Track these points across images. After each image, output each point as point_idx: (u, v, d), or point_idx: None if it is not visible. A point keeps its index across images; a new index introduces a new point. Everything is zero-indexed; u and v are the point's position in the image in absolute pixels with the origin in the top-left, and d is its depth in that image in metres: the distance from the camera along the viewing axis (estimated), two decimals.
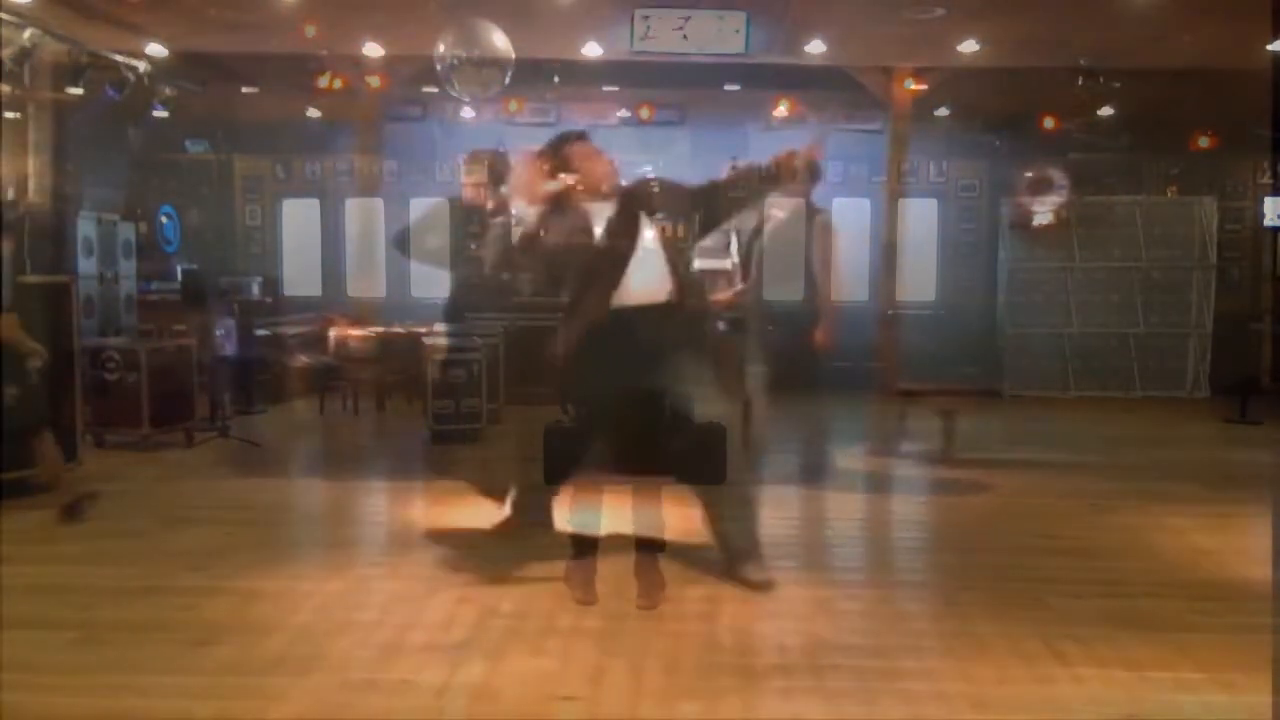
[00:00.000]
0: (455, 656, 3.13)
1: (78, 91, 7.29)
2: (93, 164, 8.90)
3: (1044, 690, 2.95)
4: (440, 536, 4.48)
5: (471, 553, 4.17)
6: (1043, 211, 8.82)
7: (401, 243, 6.36)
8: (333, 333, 7.80)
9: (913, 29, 7.15)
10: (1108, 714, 2.80)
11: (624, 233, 3.59)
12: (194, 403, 6.68)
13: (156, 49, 7.57)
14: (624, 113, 9.39)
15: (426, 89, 8.69)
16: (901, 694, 2.91)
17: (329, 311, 8.76)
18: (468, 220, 6.19)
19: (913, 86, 8.57)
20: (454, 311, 6.55)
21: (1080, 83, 8.21)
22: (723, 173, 4.42)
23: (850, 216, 9.32)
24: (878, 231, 9.27)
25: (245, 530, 4.55)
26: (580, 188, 3.61)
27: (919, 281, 10.12)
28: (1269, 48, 7.05)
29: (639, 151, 8.97)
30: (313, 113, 9.61)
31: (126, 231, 8.74)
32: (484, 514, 4.68)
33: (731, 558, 3.90)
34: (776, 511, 4.59)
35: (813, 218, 5.50)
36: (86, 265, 7.99)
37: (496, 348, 6.75)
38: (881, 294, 9.05)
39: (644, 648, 3.23)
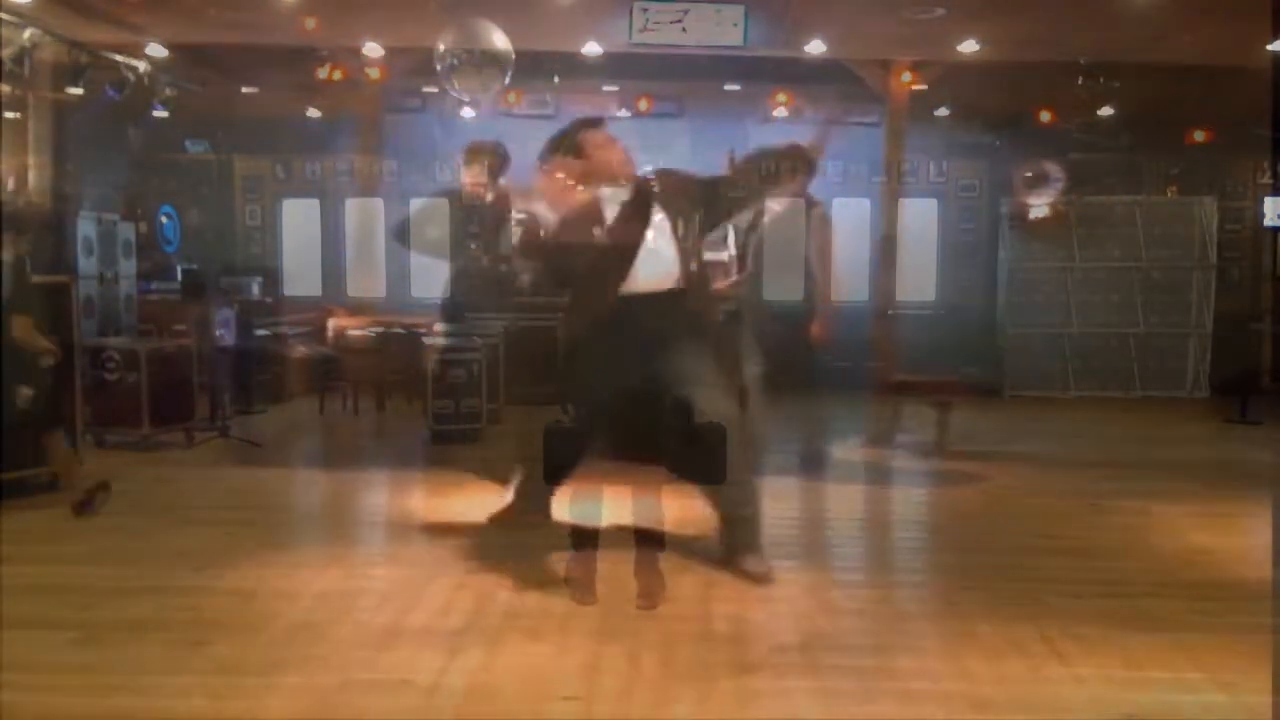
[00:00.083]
0: (453, 644, 3.16)
1: (78, 91, 7.29)
2: (93, 164, 8.90)
3: (1043, 690, 2.95)
4: (440, 533, 4.48)
5: (470, 546, 4.17)
6: (1039, 205, 8.82)
7: (401, 233, 6.36)
8: (331, 322, 7.80)
9: (913, 28, 7.15)
10: (1107, 714, 2.80)
11: (636, 223, 3.57)
12: (194, 402, 6.68)
13: (156, 49, 7.57)
14: (624, 112, 9.37)
15: (427, 88, 8.68)
16: (900, 694, 2.91)
17: (331, 306, 8.77)
18: (468, 215, 6.19)
19: (910, 80, 8.56)
20: (453, 310, 6.54)
21: (1080, 82, 8.21)
22: (722, 165, 4.42)
23: (850, 216, 9.32)
24: (878, 231, 9.27)
25: (245, 530, 4.55)
26: (594, 178, 3.58)
27: (919, 281, 10.12)
28: (1269, 47, 7.05)
29: (637, 144, 8.95)
30: (313, 112, 9.60)
31: (126, 231, 8.74)
32: (483, 506, 4.68)
33: (730, 549, 3.91)
34: (772, 505, 4.58)
35: (809, 211, 5.50)
36: (86, 265, 7.99)
37: (496, 348, 6.75)
38: (879, 290, 9.05)
39: (641, 638, 3.24)
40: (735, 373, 4.44)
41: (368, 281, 8.93)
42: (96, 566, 3.98)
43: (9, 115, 7.14)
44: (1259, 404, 8.11)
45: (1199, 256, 9.50)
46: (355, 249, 9.25)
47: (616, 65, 8.45)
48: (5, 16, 6.39)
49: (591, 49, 7.88)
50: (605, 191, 3.59)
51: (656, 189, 3.66)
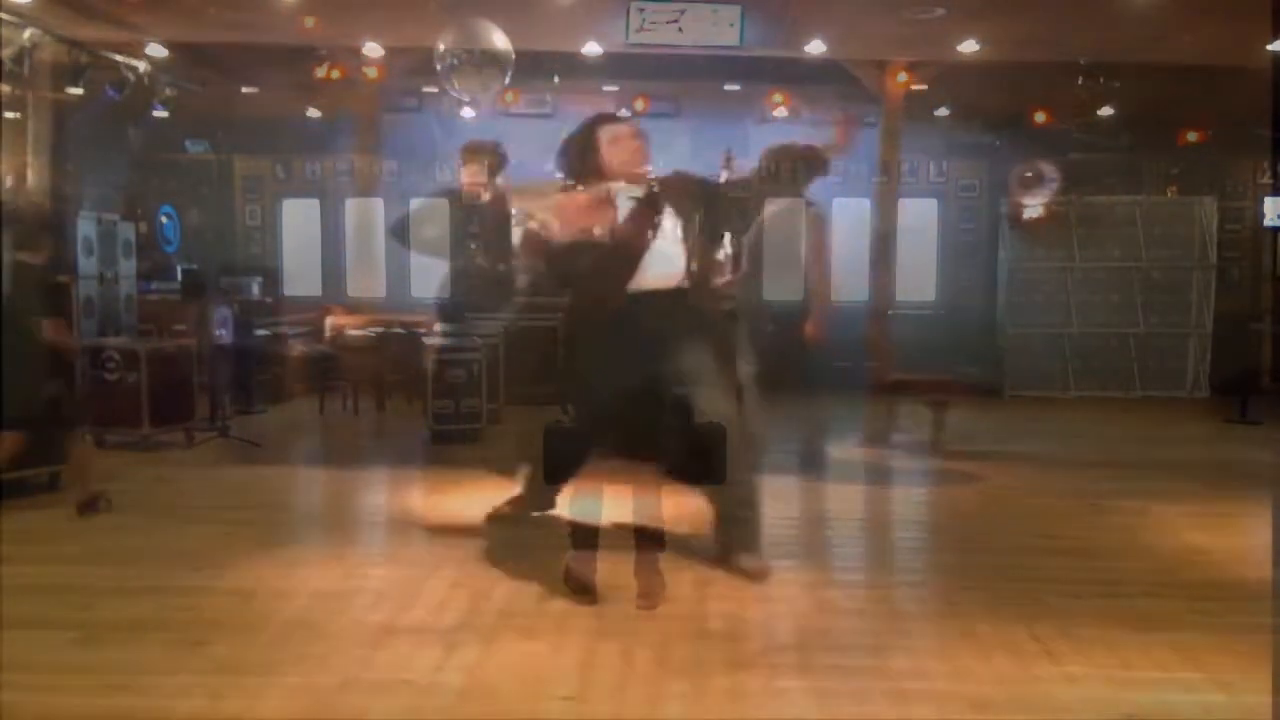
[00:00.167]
0: (451, 643, 3.17)
1: (78, 91, 7.29)
2: (93, 164, 8.91)
3: (1043, 690, 2.95)
4: (439, 532, 4.48)
5: (469, 545, 4.18)
6: (1034, 205, 8.82)
7: (400, 233, 6.36)
8: (329, 321, 7.80)
9: (912, 28, 7.16)
10: (1106, 714, 2.80)
11: (644, 223, 3.56)
12: (194, 402, 6.68)
13: (156, 49, 7.57)
14: (624, 111, 9.37)
15: (426, 88, 8.68)
16: (900, 693, 2.90)
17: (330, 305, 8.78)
18: (467, 214, 6.18)
19: (906, 80, 8.56)
20: (452, 310, 6.54)
21: (1080, 82, 8.21)
22: (720, 164, 4.41)
23: (850, 216, 9.32)
24: (877, 231, 9.27)
25: (245, 529, 4.55)
26: (606, 177, 3.56)
27: (919, 281, 10.14)
28: (1269, 47, 7.05)
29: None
30: (312, 112, 9.61)
31: (126, 231, 8.74)
32: (482, 505, 4.68)
33: (727, 547, 3.92)
34: (769, 504, 4.58)
35: (806, 211, 5.51)
36: (86, 265, 7.99)
37: (496, 348, 6.75)
38: (876, 290, 9.05)
39: (638, 637, 3.25)
40: (732, 372, 4.44)
41: (368, 281, 8.93)
42: (96, 566, 3.98)
43: (9, 115, 7.14)
44: (1259, 404, 8.12)
45: (1199, 256, 9.50)
46: (355, 249, 9.26)
47: (614, 65, 8.45)
48: (5, 16, 6.39)
49: (589, 49, 7.88)
50: (615, 189, 3.58)
51: (657, 189, 3.65)
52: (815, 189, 5.63)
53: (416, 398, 7.14)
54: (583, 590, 3.58)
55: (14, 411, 4.59)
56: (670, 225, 3.60)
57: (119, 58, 7.42)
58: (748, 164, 5.18)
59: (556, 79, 8.91)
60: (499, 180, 6.19)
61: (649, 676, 2.99)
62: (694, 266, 3.65)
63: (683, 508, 4.06)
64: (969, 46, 7.61)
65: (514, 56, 5.21)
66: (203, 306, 7.09)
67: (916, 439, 6.66)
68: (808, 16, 7.17)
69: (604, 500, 3.68)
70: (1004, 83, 8.62)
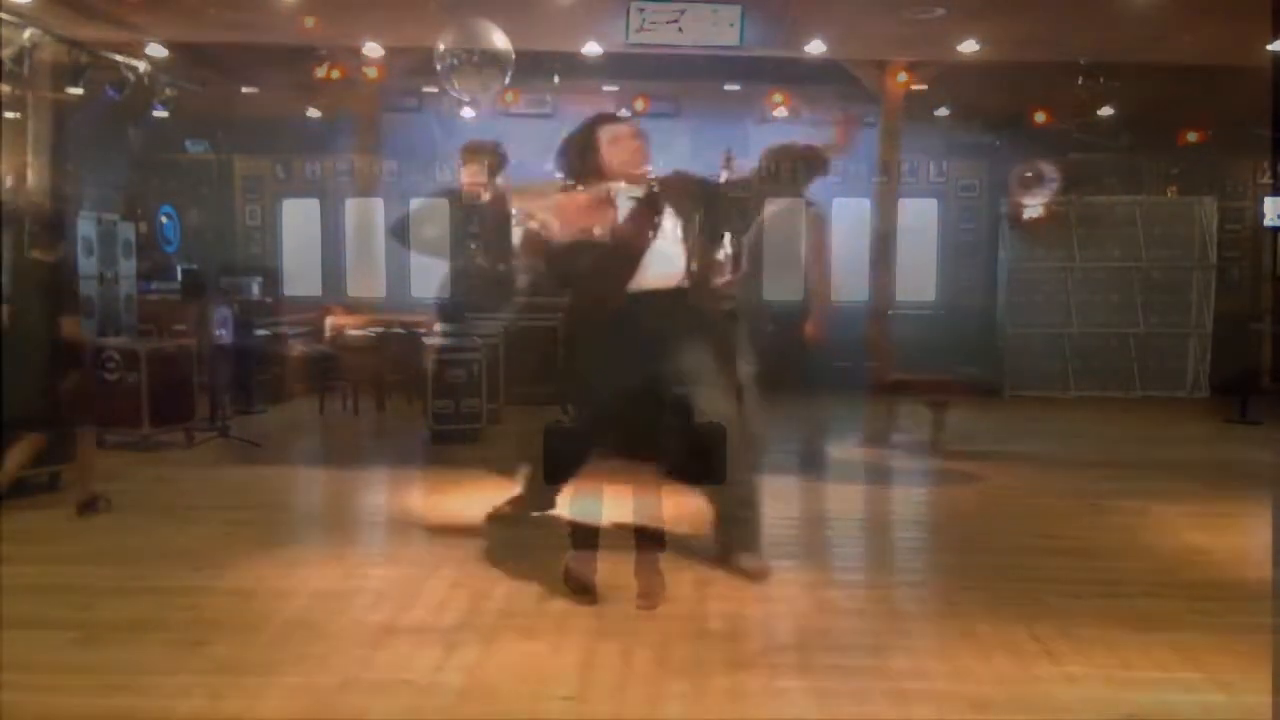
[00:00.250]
0: (451, 643, 3.18)
1: (78, 91, 7.29)
2: (93, 164, 8.91)
3: (1043, 690, 2.95)
4: (438, 532, 4.48)
5: (469, 545, 4.18)
6: (1033, 206, 8.82)
7: (400, 233, 6.36)
8: (329, 321, 7.80)
9: (913, 28, 7.15)
10: (1107, 714, 2.80)
11: (645, 223, 3.55)
12: (194, 402, 6.68)
13: (156, 49, 7.57)
14: (624, 111, 9.37)
15: (426, 88, 8.69)
16: (900, 693, 2.91)
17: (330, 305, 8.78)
18: (467, 214, 6.18)
19: (905, 81, 8.57)
20: (451, 310, 6.55)
21: (1080, 82, 8.21)
22: (719, 164, 4.41)
23: (850, 216, 9.32)
24: (882, 230, 9.26)
25: (245, 529, 4.55)
26: (606, 177, 3.56)
27: (919, 281, 10.14)
28: (1269, 47, 7.05)
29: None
30: (312, 112, 9.61)
31: (126, 231, 8.74)
32: (481, 505, 4.69)
33: (726, 547, 3.91)
34: (768, 504, 4.58)
35: (805, 211, 5.50)
36: (86, 265, 7.99)
37: (496, 348, 6.75)
38: (876, 289, 9.05)
39: (637, 637, 3.25)
40: (732, 372, 4.45)
41: (368, 281, 8.93)
42: (96, 566, 3.98)
43: (9, 115, 7.14)
44: (1259, 404, 8.12)
45: (1199, 256, 9.50)
46: (355, 249, 9.26)
47: (614, 66, 8.45)
48: (5, 16, 6.39)
49: (589, 49, 7.88)
50: (615, 189, 3.57)
51: (657, 189, 3.64)
52: (815, 189, 5.64)
53: (416, 398, 7.14)
54: (583, 590, 3.58)
55: (36, 412, 4.68)
56: (670, 225, 3.60)
57: (119, 58, 7.42)
58: (748, 164, 5.17)
59: (557, 79, 8.90)
60: (499, 180, 6.19)
61: (649, 676, 2.99)
62: (694, 266, 3.65)
63: (683, 508, 4.06)
64: (969, 46, 7.61)
65: (514, 56, 5.21)
66: (203, 306, 7.09)
67: (916, 439, 6.67)
68: (808, 16, 7.16)
69: (604, 500, 3.68)
70: (1004, 83, 8.62)
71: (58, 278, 4.93)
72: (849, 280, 9.00)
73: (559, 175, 3.76)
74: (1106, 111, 9.10)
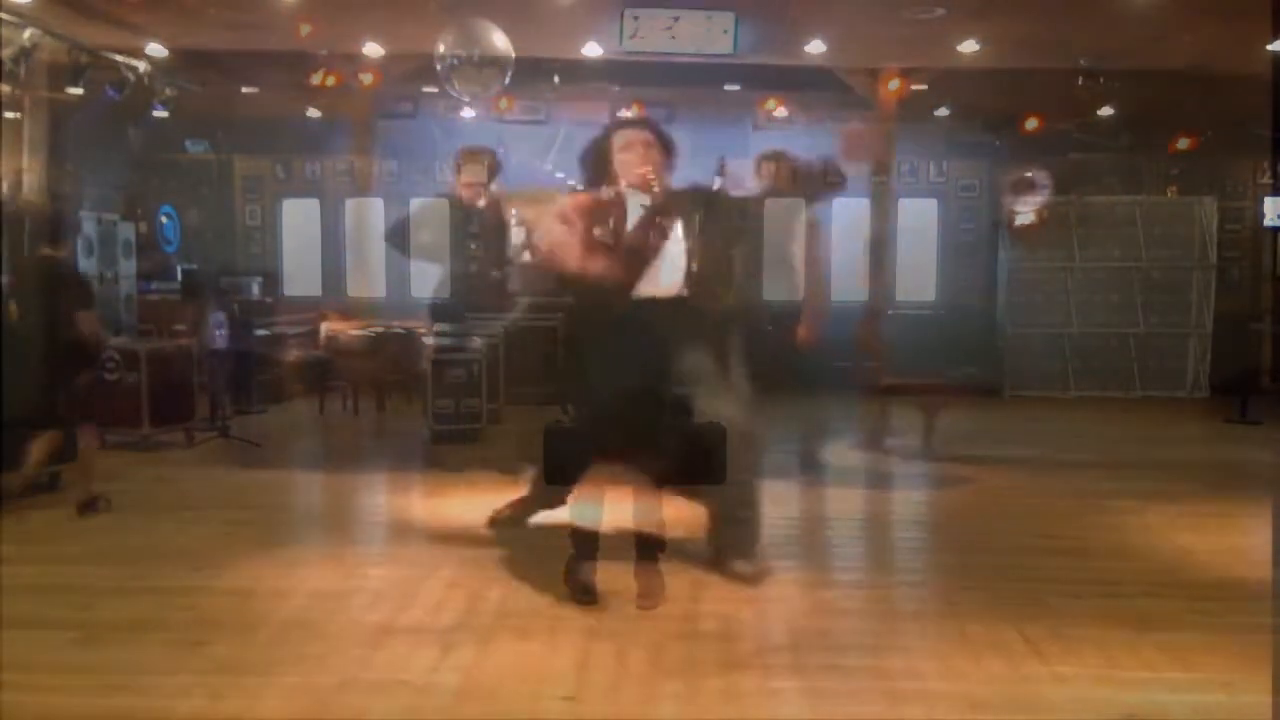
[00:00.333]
0: (449, 643, 3.19)
1: (78, 91, 7.28)
2: (93, 164, 8.90)
3: (1043, 690, 2.95)
4: (438, 532, 4.49)
5: (468, 545, 4.18)
6: (1025, 212, 8.81)
7: (397, 239, 6.37)
8: (324, 326, 7.80)
9: (913, 29, 7.15)
10: (1106, 714, 2.80)
11: (655, 230, 3.55)
12: (194, 402, 6.68)
13: (156, 49, 7.57)
14: (625, 112, 9.37)
15: (426, 89, 8.69)
16: (900, 693, 2.91)
17: (325, 308, 8.77)
18: (464, 219, 6.19)
19: (898, 88, 8.57)
20: (447, 311, 6.56)
21: (1080, 82, 8.20)
22: (713, 169, 4.40)
23: (850, 217, 9.31)
24: (884, 230, 9.26)
25: (245, 529, 4.55)
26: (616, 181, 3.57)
27: (919, 281, 10.14)
28: (1269, 48, 7.05)
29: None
30: (312, 112, 9.61)
31: (126, 231, 8.75)
32: (481, 506, 4.69)
33: (721, 550, 3.91)
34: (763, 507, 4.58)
35: (804, 211, 5.49)
36: (86, 265, 8.00)
37: (496, 348, 6.75)
38: (870, 292, 9.05)
39: (634, 638, 3.25)
40: (731, 376, 4.44)
41: (367, 281, 8.94)
42: (96, 566, 3.99)
43: (9, 115, 7.14)
44: (1259, 404, 8.11)
45: (1199, 256, 9.50)
46: (355, 249, 9.26)
47: (608, 71, 8.46)
48: (5, 16, 6.39)
49: (582, 54, 7.88)
50: (627, 194, 3.58)
51: (663, 195, 3.63)
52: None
53: (416, 397, 7.14)
54: (583, 591, 3.59)
55: (52, 409, 4.72)
56: (677, 232, 3.60)
57: (119, 58, 7.41)
58: (751, 174, 5.17)
59: (557, 78, 8.90)
60: (494, 186, 6.22)
61: (644, 677, 2.99)
62: (694, 268, 3.64)
63: (679, 512, 4.05)
64: (969, 46, 7.60)
65: (514, 56, 5.20)
66: (200, 309, 7.10)
67: (909, 442, 6.60)
68: (807, 17, 7.16)
69: (605, 506, 3.68)
70: (1004, 83, 8.61)
71: (69, 273, 5.00)
72: (846, 281, 9.03)
73: (567, 180, 3.77)
74: (1106, 112, 9.09)
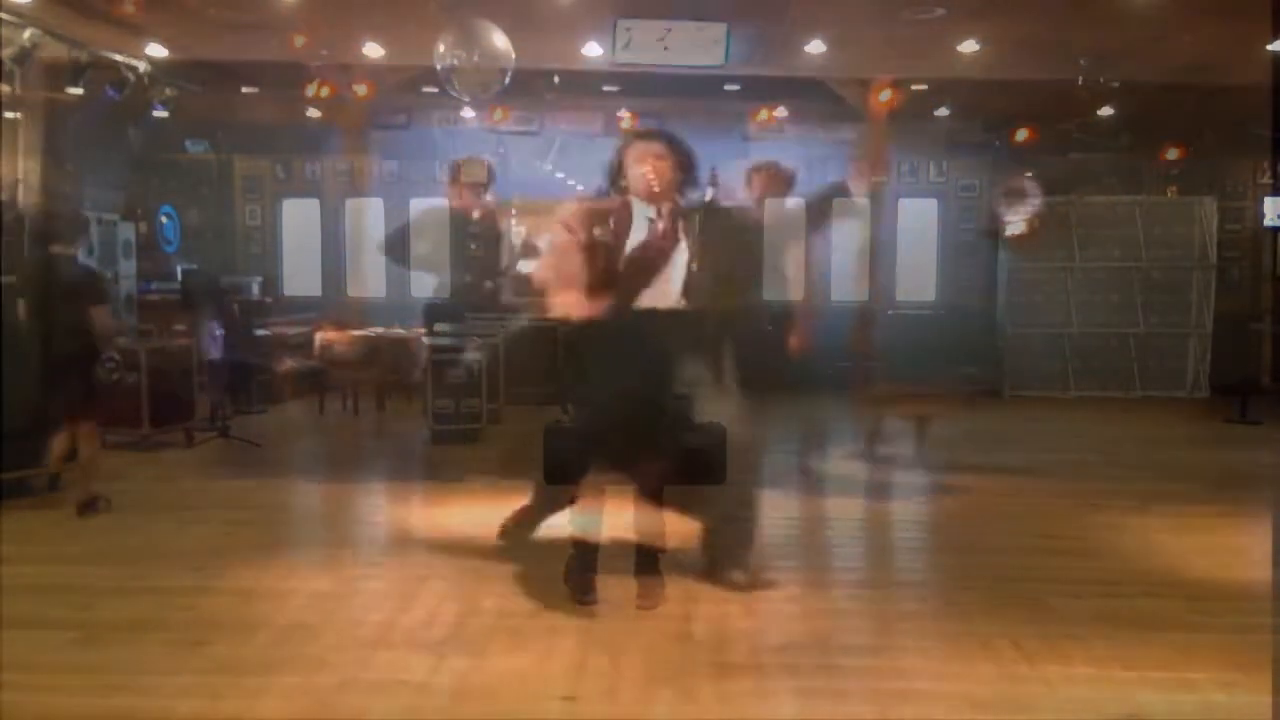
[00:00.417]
0: (448, 643, 3.19)
1: (78, 91, 7.28)
2: (93, 164, 8.90)
3: (1043, 690, 2.95)
4: (437, 533, 4.48)
5: (468, 546, 4.18)
6: (1015, 222, 8.79)
7: (396, 250, 6.41)
8: (318, 337, 7.83)
9: (913, 29, 7.14)
10: (1108, 714, 2.80)
11: (657, 240, 3.56)
12: (194, 403, 6.68)
13: (156, 49, 7.57)
14: (626, 119, 9.37)
15: (424, 91, 8.70)
16: (901, 694, 2.91)
17: (327, 312, 8.78)
18: (460, 228, 6.23)
19: (889, 99, 8.57)
20: (444, 314, 6.59)
21: (1080, 82, 8.20)
22: (705, 180, 4.39)
23: (848, 218, 9.31)
24: (877, 234, 9.26)
25: (245, 530, 4.55)
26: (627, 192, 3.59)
27: (919, 281, 10.14)
28: (1269, 48, 7.05)
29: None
30: (313, 113, 9.62)
31: (126, 231, 8.74)
32: (480, 506, 4.69)
33: (715, 559, 3.90)
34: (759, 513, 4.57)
35: (792, 222, 5.47)
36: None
37: (496, 348, 6.75)
38: (869, 294, 9.06)
39: (634, 639, 3.25)
40: (728, 381, 4.45)
41: (368, 282, 8.94)
42: (96, 566, 3.99)
43: (9, 115, 7.14)
44: (1259, 404, 8.12)
45: (1199, 256, 9.50)
46: (355, 249, 9.26)
47: (600, 81, 8.47)
48: (5, 16, 6.39)
49: (575, 66, 7.89)
50: (635, 205, 3.59)
51: (670, 207, 3.63)
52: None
53: (417, 398, 7.15)
54: (582, 591, 3.59)
55: (70, 404, 4.78)
56: (681, 245, 3.61)
57: (119, 58, 7.41)
58: (742, 185, 5.16)
59: (556, 79, 8.91)
60: (489, 196, 6.25)
61: (643, 679, 2.99)
62: (694, 274, 3.64)
63: (674, 521, 4.04)
64: (969, 47, 7.60)
65: (514, 56, 5.21)
66: (196, 316, 7.11)
67: (903, 448, 6.51)
68: (808, 21, 7.16)
69: (605, 515, 3.68)
70: (1004, 83, 8.61)
71: (83, 270, 5.04)
72: (844, 282, 9.04)
73: (572, 181, 3.79)
74: (1106, 112, 9.09)
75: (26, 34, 6.59)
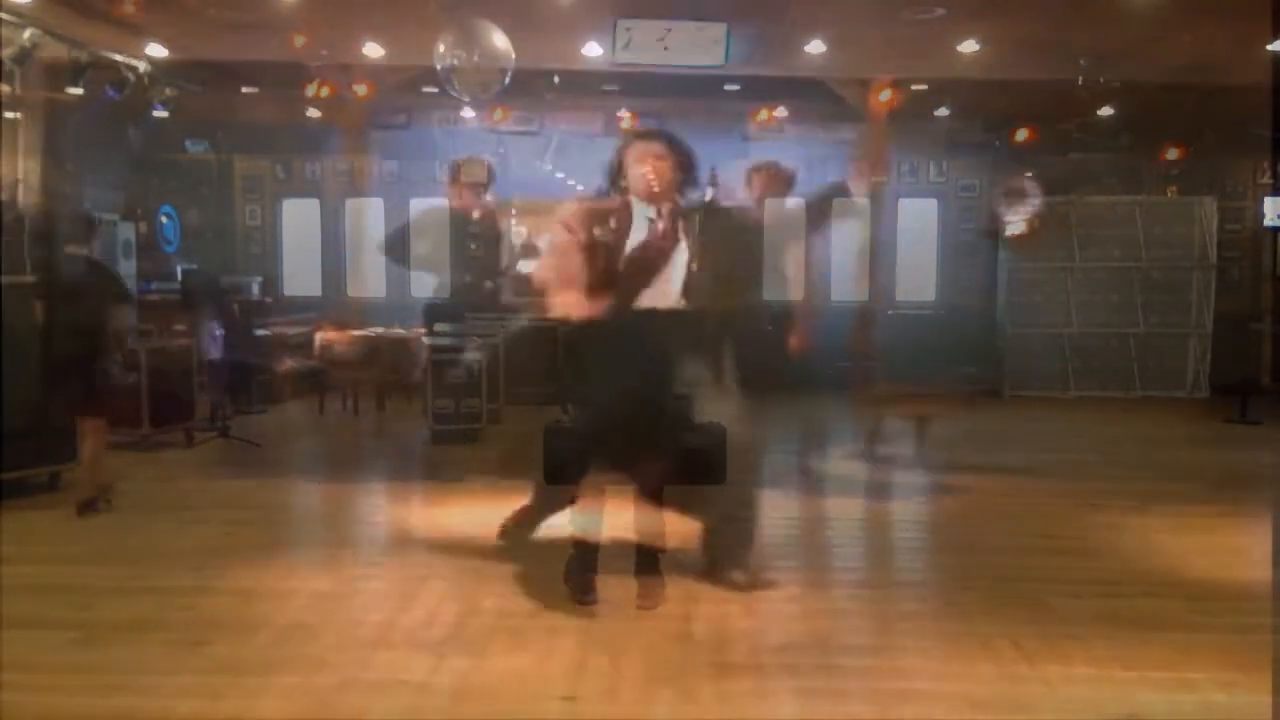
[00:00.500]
0: (448, 643, 3.20)
1: (78, 91, 7.28)
2: (93, 164, 8.90)
3: (1044, 690, 2.95)
4: (437, 533, 4.48)
5: (468, 546, 4.18)
6: (1015, 222, 8.79)
7: (396, 250, 6.40)
8: (318, 337, 7.83)
9: (913, 29, 7.14)
10: (1108, 714, 2.81)
11: (657, 240, 3.56)
12: (194, 403, 6.69)
13: (156, 49, 7.57)
14: (626, 119, 9.37)
15: (424, 91, 8.70)
16: (901, 694, 2.91)
17: (327, 312, 8.79)
18: (460, 228, 6.23)
19: (889, 99, 8.57)
20: (444, 313, 6.59)
21: (1080, 82, 8.20)
22: (705, 180, 4.40)
23: (847, 219, 9.30)
24: (876, 234, 9.26)
25: (244, 530, 4.56)
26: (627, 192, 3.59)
27: (919, 281, 10.14)
28: (1269, 48, 7.05)
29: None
30: (313, 113, 9.62)
31: (126, 231, 8.74)
32: (480, 506, 4.68)
33: (715, 559, 3.90)
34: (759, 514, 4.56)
35: (792, 222, 5.47)
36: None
37: (496, 348, 6.76)
38: (869, 293, 9.06)
39: (635, 639, 3.25)
40: (727, 382, 4.45)
41: (368, 282, 8.95)
42: (96, 566, 3.99)
43: (9, 116, 7.14)
44: (1259, 404, 8.12)
45: (1199, 256, 9.50)
46: (355, 249, 9.27)
47: (600, 81, 8.47)
48: (5, 16, 6.39)
49: (576, 65, 7.89)
50: (635, 205, 3.59)
51: (670, 208, 3.63)
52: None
53: (417, 397, 7.15)
54: (582, 590, 3.59)
55: (87, 403, 4.81)
56: (681, 245, 3.61)
57: (119, 58, 7.41)
58: (742, 185, 5.16)
59: (556, 79, 8.91)
60: (489, 196, 6.24)
61: (642, 679, 2.99)
62: (694, 274, 3.64)
63: (674, 521, 4.04)
64: (969, 47, 7.60)
65: (514, 56, 5.21)
66: (196, 317, 7.12)
67: (903, 449, 6.51)
68: (808, 21, 7.16)
69: (605, 515, 3.68)
70: (1004, 83, 8.62)
71: (103, 269, 5.10)
72: (844, 282, 9.04)
73: (571, 181, 3.79)
74: (1106, 111, 9.09)
75: (26, 34, 6.59)
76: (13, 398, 4.88)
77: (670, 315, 3.58)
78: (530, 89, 8.42)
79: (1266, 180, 10.17)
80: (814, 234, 5.30)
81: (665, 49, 7.07)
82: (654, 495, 3.64)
